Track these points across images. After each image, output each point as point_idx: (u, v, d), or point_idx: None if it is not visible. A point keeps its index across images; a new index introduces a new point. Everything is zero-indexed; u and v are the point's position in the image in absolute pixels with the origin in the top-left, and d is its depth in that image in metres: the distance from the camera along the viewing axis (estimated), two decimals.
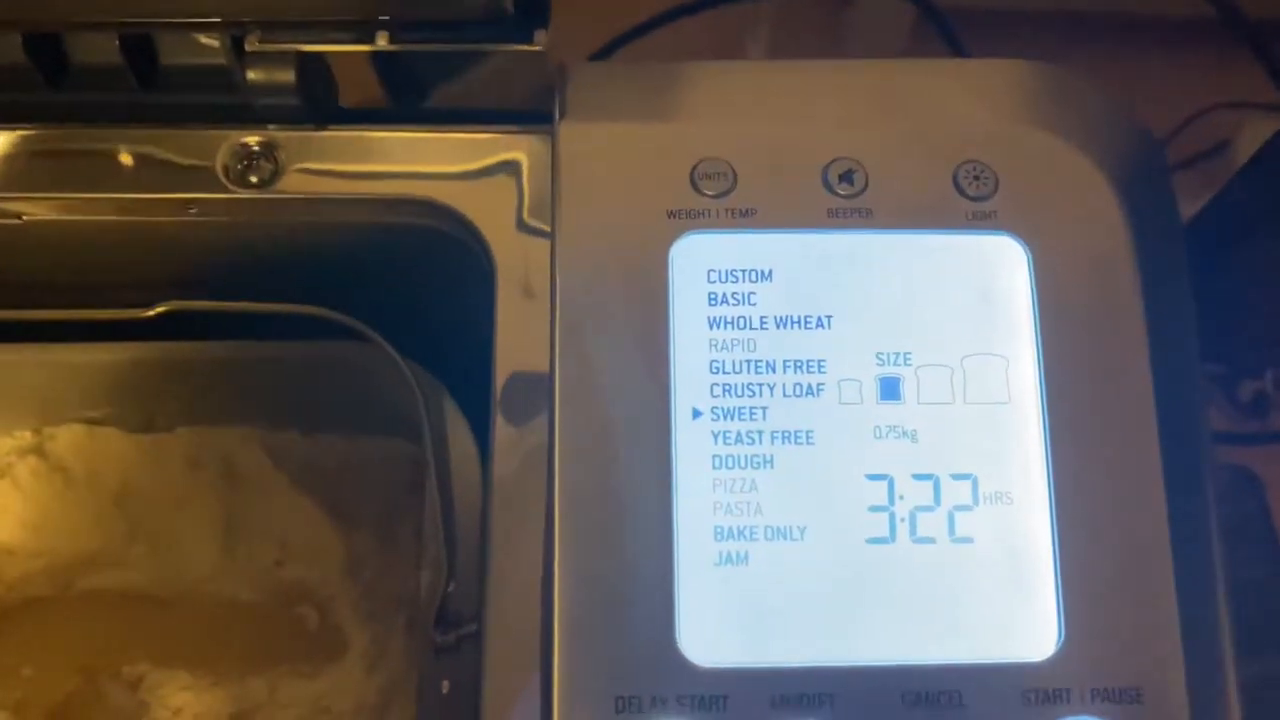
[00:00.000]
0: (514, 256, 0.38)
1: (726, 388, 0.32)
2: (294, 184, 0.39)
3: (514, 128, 0.40)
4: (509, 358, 0.37)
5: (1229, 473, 0.45)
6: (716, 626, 0.31)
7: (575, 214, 0.33)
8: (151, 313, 0.44)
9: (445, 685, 0.41)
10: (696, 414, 0.32)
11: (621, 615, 0.31)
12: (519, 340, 0.37)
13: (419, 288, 0.44)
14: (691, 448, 0.32)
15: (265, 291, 0.44)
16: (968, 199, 0.33)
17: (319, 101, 0.41)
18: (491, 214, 0.39)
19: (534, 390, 0.36)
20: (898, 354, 0.33)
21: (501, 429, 0.36)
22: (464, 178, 0.39)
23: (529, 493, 0.35)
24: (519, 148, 0.40)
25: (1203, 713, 0.30)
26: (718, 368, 0.32)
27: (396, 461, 0.53)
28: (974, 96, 0.34)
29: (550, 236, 0.33)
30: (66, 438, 0.52)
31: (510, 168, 0.39)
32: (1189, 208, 0.43)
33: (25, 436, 0.52)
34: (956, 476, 0.32)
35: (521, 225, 0.39)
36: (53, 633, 0.51)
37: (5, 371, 0.49)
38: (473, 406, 0.44)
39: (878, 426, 0.32)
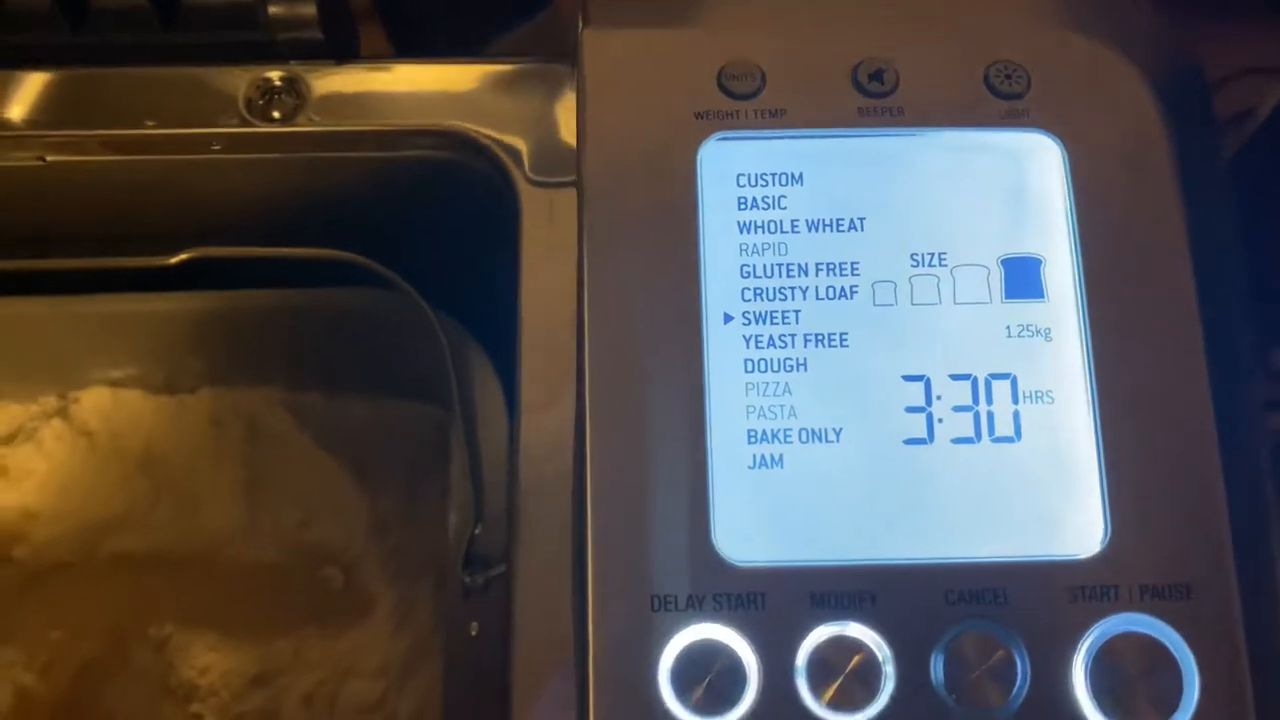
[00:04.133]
0: (538, 190, 0.38)
1: (758, 291, 0.32)
2: (317, 119, 0.39)
3: (534, 60, 0.40)
4: (534, 295, 0.36)
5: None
6: (753, 526, 0.30)
7: (601, 119, 0.32)
8: (174, 260, 0.44)
9: (474, 627, 0.40)
10: (728, 318, 0.32)
11: (656, 517, 0.30)
12: (544, 275, 0.37)
13: (442, 232, 0.43)
14: (723, 352, 0.31)
15: (288, 238, 0.44)
16: (1000, 97, 0.33)
17: (340, 37, 0.40)
18: (515, 143, 0.39)
19: (559, 327, 0.35)
20: (932, 254, 0.32)
21: (528, 368, 0.36)
22: (487, 108, 0.39)
23: (558, 431, 0.35)
24: (542, 78, 0.39)
25: (1254, 608, 0.30)
26: (748, 272, 0.32)
27: (419, 424, 0.53)
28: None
29: (577, 145, 0.33)
30: (90, 401, 0.52)
31: (533, 98, 0.39)
32: None
33: (50, 401, 0.52)
34: (995, 376, 0.31)
35: (546, 155, 0.38)
36: (79, 596, 0.50)
37: (29, 331, 0.49)
38: (498, 354, 0.43)
39: (913, 328, 0.32)
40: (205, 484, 0.52)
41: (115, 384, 0.51)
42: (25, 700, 0.49)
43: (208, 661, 0.50)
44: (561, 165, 0.39)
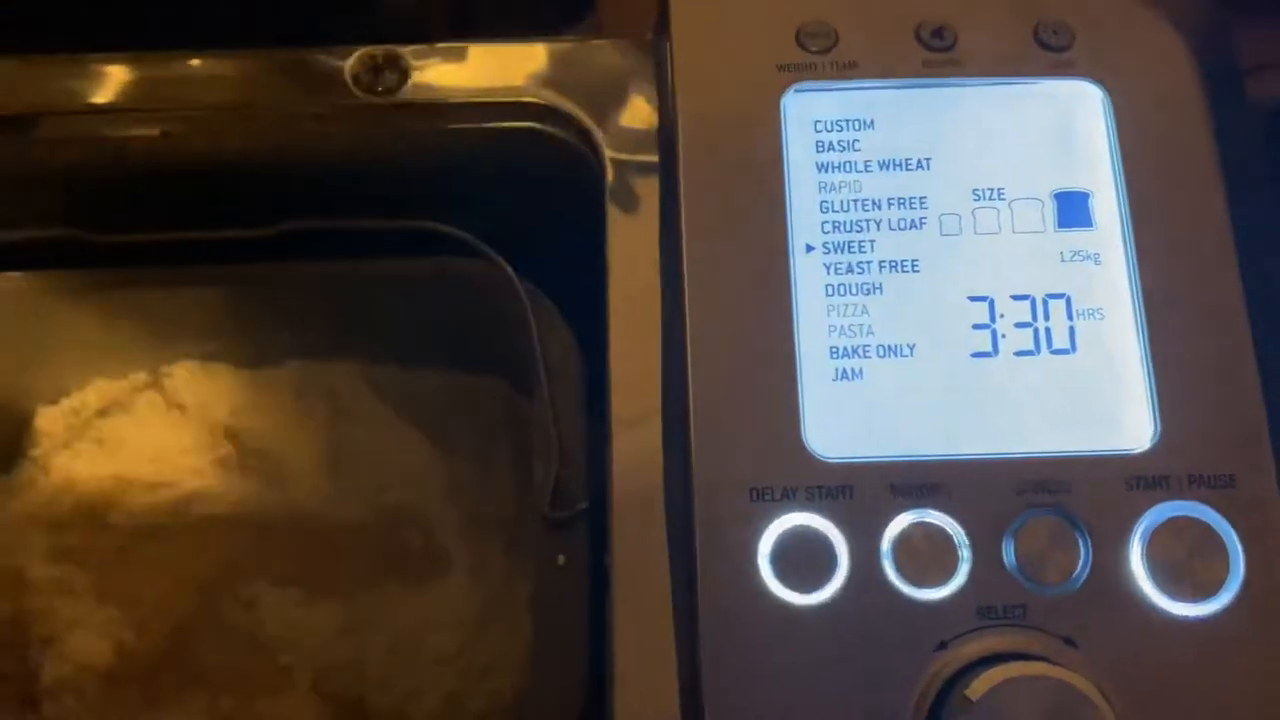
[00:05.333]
0: (621, 155, 0.42)
1: (836, 224, 0.36)
2: (419, 92, 0.43)
3: (611, 38, 0.44)
4: (621, 262, 0.40)
5: None
6: (839, 426, 0.34)
7: (691, 75, 0.36)
8: (274, 231, 0.48)
9: (561, 559, 0.43)
10: (809, 249, 0.35)
11: (752, 420, 0.33)
12: (630, 243, 0.40)
13: (524, 200, 0.47)
14: (807, 279, 0.35)
15: (381, 209, 0.47)
16: (1048, 50, 0.36)
17: (438, 19, 0.44)
18: (596, 113, 0.42)
19: (645, 292, 0.39)
20: (991, 190, 0.36)
21: (615, 319, 0.39)
22: (580, 84, 0.43)
23: (643, 375, 0.38)
24: (620, 53, 0.43)
25: None
26: (827, 207, 0.36)
27: (490, 395, 0.56)
28: None
29: (665, 101, 0.36)
30: (181, 374, 0.55)
31: (612, 72, 0.43)
32: None
33: (141, 376, 0.55)
34: (1051, 296, 0.35)
35: (625, 123, 0.42)
36: (172, 557, 0.53)
37: (125, 306, 0.53)
38: (572, 313, 0.47)
39: (977, 254, 0.35)
40: (290, 452, 0.55)
41: (205, 357, 0.55)
42: (124, 655, 0.52)
43: (295, 617, 0.53)
44: (641, 132, 0.42)
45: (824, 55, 0.36)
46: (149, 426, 0.55)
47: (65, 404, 0.54)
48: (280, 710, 0.50)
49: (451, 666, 0.52)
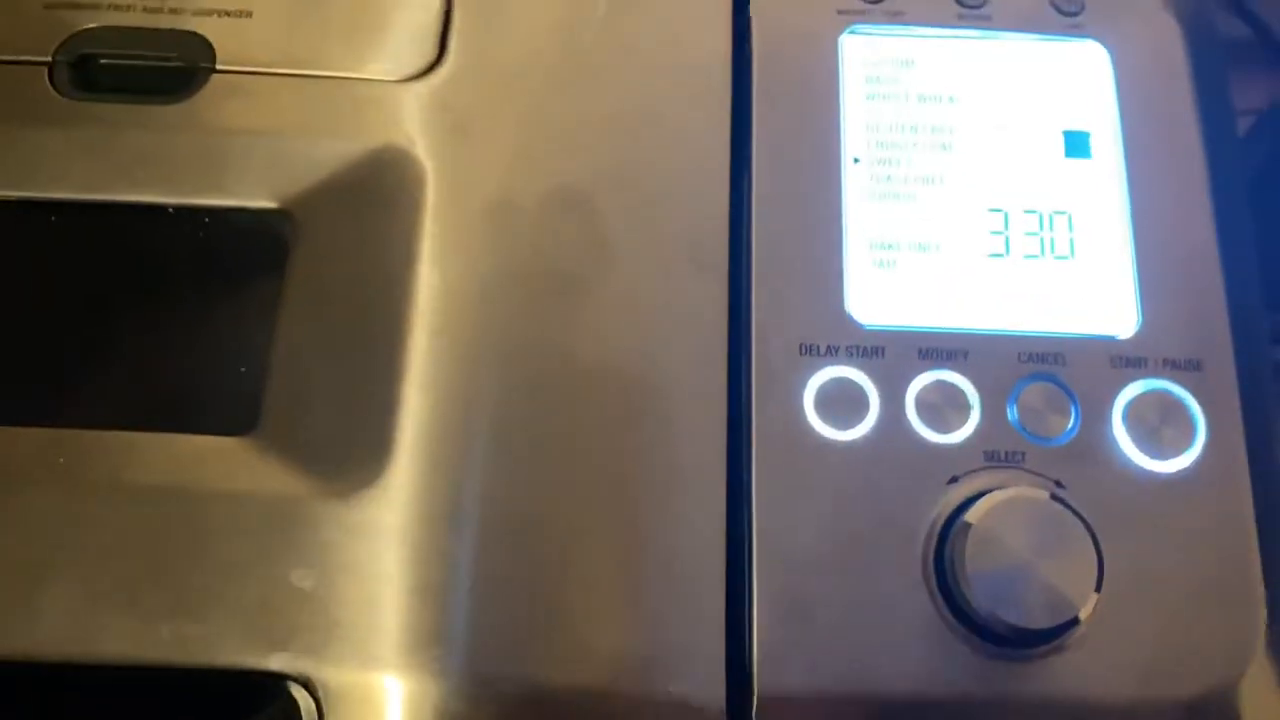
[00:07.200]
0: None
1: (879, 143, 0.43)
2: None
3: None
4: None
5: None
6: (875, 300, 0.40)
7: (768, 14, 0.44)
8: None
9: None
10: (856, 160, 0.42)
11: (804, 291, 0.40)
12: None
13: None
14: (853, 184, 0.42)
15: None
16: (1062, 14, 0.44)
17: None
18: None
19: None
20: (1009, 122, 0.43)
21: None
22: None
23: None
24: None
25: (1246, 381, 0.40)
26: (872, 128, 0.43)
27: None
28: None
29: (748, 34, 0.43)
30: None
31: None
32: None
33: None
34: (1056, 212, 0.42)
35: None
36: None
37: None
38: None
39: (995, 173, 0.42)
40: None
41: None
42: None
43: None
44: None
45: (876, 5, 0.44)
46: None
47: None
48: None
49: None
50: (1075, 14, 0.44)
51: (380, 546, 0.36)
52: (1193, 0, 0.45)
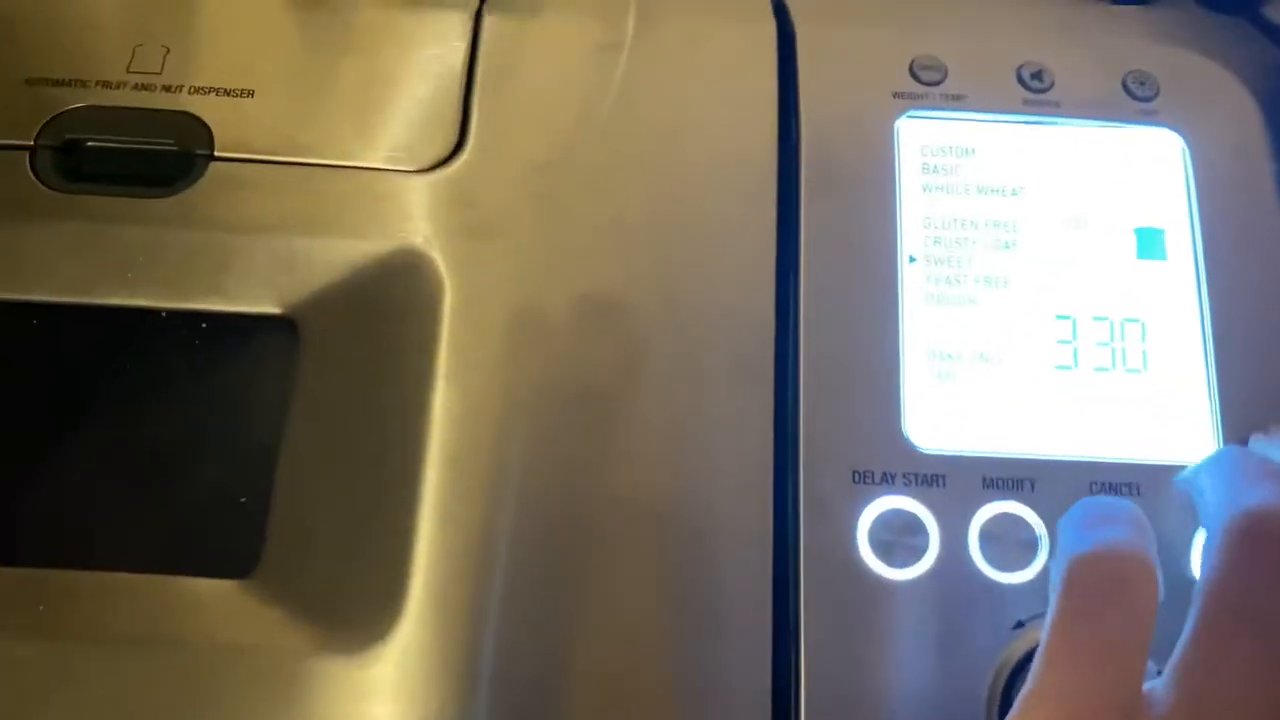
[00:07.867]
0: None
1: (937, 240, 0.39)
2: None
3: None
4: None
5: None
6: (936, 422, 0.37)
7: (816, 95, 0.40)
8: None
9: None
10: (913, 259, 0.39)
11: (856, 409, 0.37)
12: None
13: None
14: (910, 286, 0.39)
15: None
16: (1135, 99, 0.40)
17: None
18: None
19: None
20: (1078, 218, 0.39)
21: None
22: None
23: None
24: None
25: None
26: (930, 224, 0.39)
27: None
28: (1140, 24, 0.41)
29: (794, 118, 0.40)
30: None
31: None
32: None
33: None
34: (1128, 320, 0.38)
35: None
36: None
37: None
38: None
39: (1062, 277, 0.39)
40: None
41: None
42: None
43: None
44: None
45: (935, 87, 0.40)
46: None
47: None
48: None
49: None
50: (1149, 99, 0.40)
51: (389, 712, 0.33)
52: (1274, 80, 0.41)
